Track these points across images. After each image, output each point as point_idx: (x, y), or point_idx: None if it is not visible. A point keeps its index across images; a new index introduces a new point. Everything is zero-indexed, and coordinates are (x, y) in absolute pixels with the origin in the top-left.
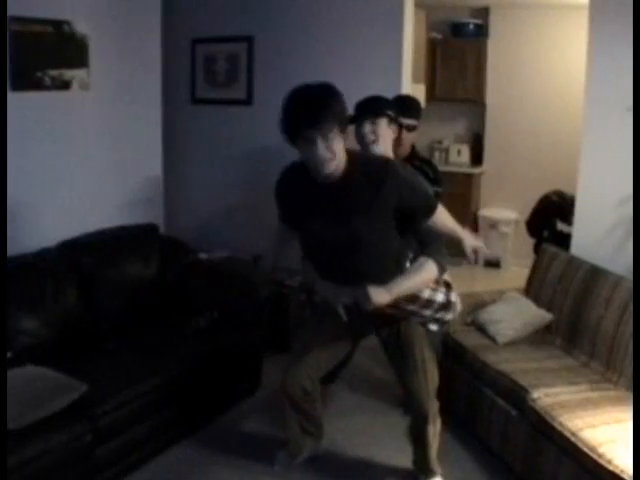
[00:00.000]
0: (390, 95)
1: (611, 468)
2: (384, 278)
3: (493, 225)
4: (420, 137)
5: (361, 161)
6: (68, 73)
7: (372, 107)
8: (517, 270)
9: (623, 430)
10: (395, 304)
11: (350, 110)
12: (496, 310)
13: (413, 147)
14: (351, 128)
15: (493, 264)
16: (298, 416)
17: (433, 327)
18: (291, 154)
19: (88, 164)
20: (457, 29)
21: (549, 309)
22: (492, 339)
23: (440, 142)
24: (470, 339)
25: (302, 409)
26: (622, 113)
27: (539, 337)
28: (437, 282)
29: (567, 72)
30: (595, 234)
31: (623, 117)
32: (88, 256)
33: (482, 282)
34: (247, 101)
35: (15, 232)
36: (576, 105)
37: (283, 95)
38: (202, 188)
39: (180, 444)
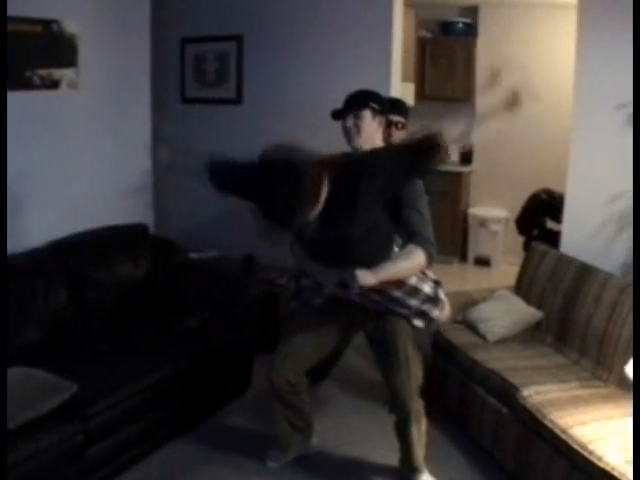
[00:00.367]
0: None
1: (602, 465)
2: (373, 262)
3: (483, 224)
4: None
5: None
6: (57, 72)
7: (355, 101)
8: (507, 268)
9: (613, 427)
10: (381, 288)
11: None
12: (486, 308)
13: None
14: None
15: (483, 262)
16: (286, 410)
17: (418, 323)
18: None
19: (77, 164)
20: (446, 28)
21: (539, 307)
22: (482, 337)
23: None
24: (460, 337)
25: (289, 402)
26: (611, 111)
27: (529, 335)
28: (425, 273)
29: (556, 70)
30: (584, 232)
31: (612, 115)
32: (78, 256)
33: (472, 280)
34: (237, 100)
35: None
36: (565, 103)
37: (272, 94)
38: (192, 187)
39: (171, 444)
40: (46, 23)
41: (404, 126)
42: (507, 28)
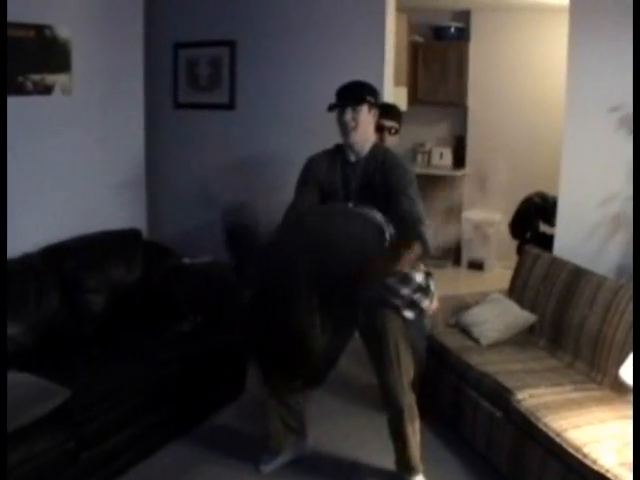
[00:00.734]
0: None
1: (596, 468)
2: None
3: (476, 227)
4: (402, 140)
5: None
6: (50, 78)
7: (353, 94)
8: (500, 272)
9: (608, 430)
10: (374, 274)
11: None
12: (480, 312)
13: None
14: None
15: (477, 266)
16: (280, 408)
17: (409, 314)
18: (274, 156)
19: (70, 169)
20: (439, 32)
21: (532, 310)
22: (476, 341)
23: (422, 145)
24: (454, 341)
25: (284, 401)
26: (603, 114)
27: (523, 338)
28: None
29: (548, 74)
30: (577, 235)
31: (604, 118)
32: (71, 261)
33: (465, 284)
34: (230, 105)
35: None
36: (557, 106)
37: (265, 99)
38: (185, 192)
39: (165, 448)
40: (39, 28)
41: (397, 131)
42: (499, 32)
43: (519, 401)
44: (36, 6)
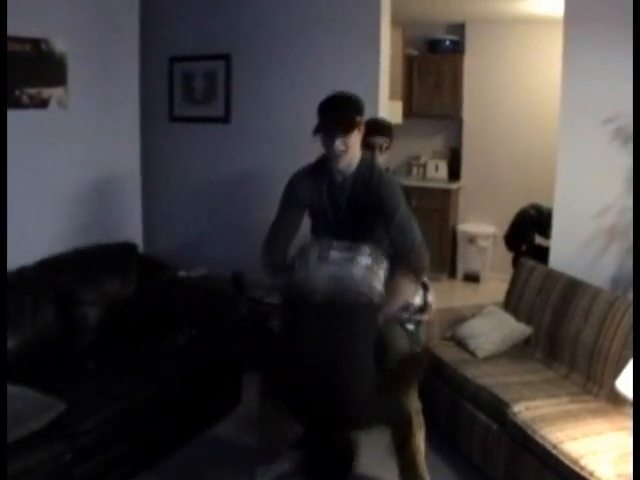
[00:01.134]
0: (366, 113)
1: None
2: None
3: (472, 240)
4: (397, 153)
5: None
6: (46, 91)
7: (343, 119)
8: (496, 284)
9: (604, 442)
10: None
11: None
12: (476, 325)
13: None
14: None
15: (472, 278)
16: (274, 412)
17: (410, 326)
18: (268, 170)
19: (66, 182)
20: (433, 45)
21: (528, 322)
22: (472, 353)
23: (417, 158)
24: (450, 354)
25: (281, 407)
26: (597, 125)
27: (519, 350)
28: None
29: (543, 86)
30: (573, 247)
31: (598, 129)
32: (66, 274)
33: (461, 297)
34: (225, 119)
35: None
36: (552, 119)
37: (260, 112)
38: (180, 206)
39: (160, 462)
40: (35, 42)
41: (388, 147)
42: (494, 44)
43: (515, 413)
44: (32, 20)
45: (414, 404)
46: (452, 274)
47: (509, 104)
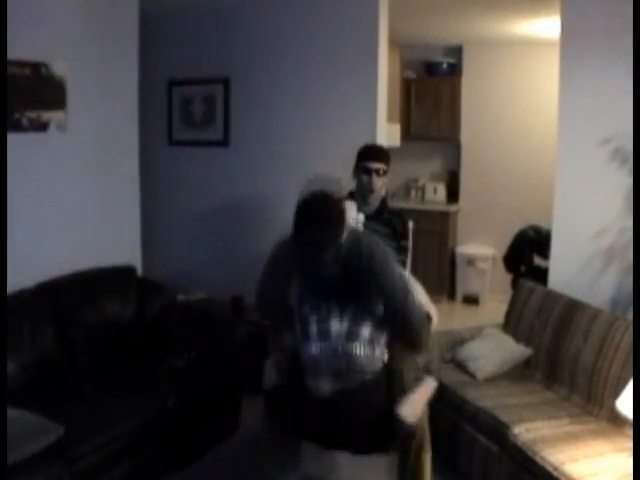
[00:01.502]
0: (364, 136)
1: None
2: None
3: (470, 262)
4: (396, 176)
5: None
6: (46, 115)
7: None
8: (495, 306)
9: (605, 463)
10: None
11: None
12: (475, 347)
13: (384, 199)
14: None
15: (472, 300)
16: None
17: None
18: (267, 194)
19: (65, 205)
20: (431, 68)
21: (528, 344)
22: (472, 375)
23: (416, 180)
24: (450, 376)
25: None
26: (595, 146)
27: (519, 372)
28: None
29: (540, 107)
30: (572, 267)
31: (596, 150)
32: (65, 297)
33: (460, 318)
34: (224, 142)
35: None
36: (550, 140)
37: (259, 136)
38: (179, 230)
39: None
40: (35, 65)
41: (385, 172)
42: (491, 66)
43: (516, 435)
44: (32, 43)
45: (425, 423)
46: (451, 296)
47: (507, 126)
